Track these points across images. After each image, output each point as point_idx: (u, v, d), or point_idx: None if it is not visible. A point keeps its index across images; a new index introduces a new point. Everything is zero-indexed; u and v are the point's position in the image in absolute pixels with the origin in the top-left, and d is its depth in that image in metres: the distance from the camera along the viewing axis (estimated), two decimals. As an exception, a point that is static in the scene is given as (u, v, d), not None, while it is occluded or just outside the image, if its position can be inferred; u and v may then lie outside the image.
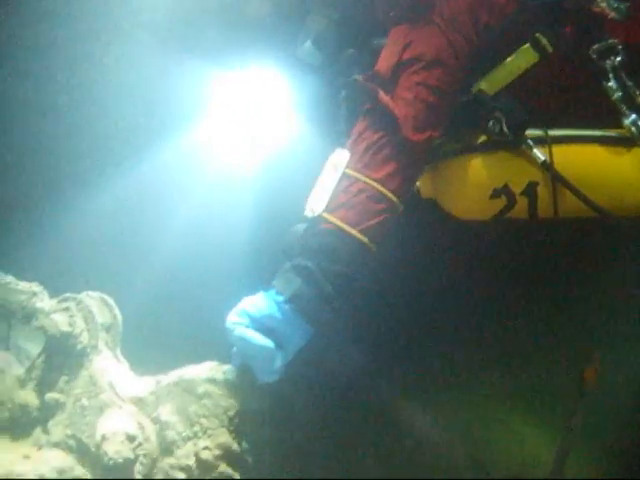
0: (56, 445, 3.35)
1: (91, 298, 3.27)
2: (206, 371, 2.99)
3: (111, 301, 3.35)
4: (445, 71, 3.16)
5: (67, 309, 3.25)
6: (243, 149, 4.51)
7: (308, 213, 2.97)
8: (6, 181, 4.18)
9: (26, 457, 3.36)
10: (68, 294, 3.28)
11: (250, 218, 4.49)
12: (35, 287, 3.49)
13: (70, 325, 3.24)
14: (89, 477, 3.29)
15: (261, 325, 2.89)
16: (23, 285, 3.52)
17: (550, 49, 2.99)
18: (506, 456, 4.35)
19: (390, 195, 2.97)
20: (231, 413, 3.00)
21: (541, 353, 4.27)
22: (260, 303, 2.93)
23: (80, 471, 3.33)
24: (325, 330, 3.10)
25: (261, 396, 3.12)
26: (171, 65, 4.12)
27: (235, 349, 3.07)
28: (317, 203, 2.94)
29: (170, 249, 4.40)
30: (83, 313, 3.26)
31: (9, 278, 3.62)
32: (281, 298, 2.91)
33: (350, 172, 2.75)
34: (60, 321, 3.23)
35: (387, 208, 2.99)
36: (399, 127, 3.01)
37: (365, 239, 2.90)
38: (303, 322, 2.93)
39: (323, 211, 2.74)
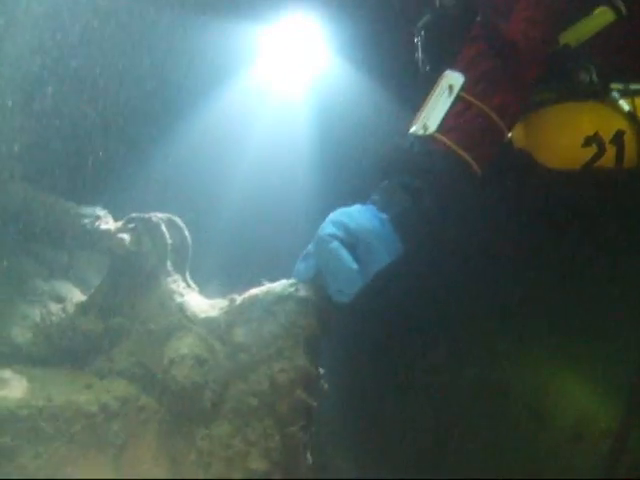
0: (120, 374, 3.14)
1: (159, 218, 3.03)
2: (283, 288, 2.74)
3: (180, 222, 3.13)
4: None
5: (134, 229, 3.03)
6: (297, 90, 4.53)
7: (418, 131, 2.83)
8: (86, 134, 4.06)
9: (88, 387, 3.15)
10: (134, 214, 3.07)
11: (312, 154, 4.48)
12: (99, 211, 3.30)
13: (137, 244, 3.04)
14: (154, 406, 3.05)
15: (354, 239, 2.72)
16: (86, 209, 3.33)
17: (624, 10, 3.23)
18: (562, 410, 4.34)
19: (502, 126, 2.90)
20: (309, 333, 2.73)
21: (611, 322, 4.18)
22: (359, 217, 2.76)
23: (145, 400, 3.10)
24: (418, 252, 2.93)
25: (339, 317, 2.87)
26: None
27: (311, 261, 2.87)
28: (429, 122, 2.82)
29: (240, 183, 4.42)
30: (151, 233, 3.05)
31: (70, 204, 3.44)
32: (384, 215, 2.77)
33: (466, 96, 2.69)
34: (127, 241, 3.02)
35: (498, 139, 2.95)
36: (516, 51, 2.97)
37: (475, 166, 2.81)
38: (398, 241, 2.79)
39: (435, 131, 2.67)
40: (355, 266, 2.70)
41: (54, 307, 3.37)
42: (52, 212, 3.43)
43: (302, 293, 2.77)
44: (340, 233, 2.72)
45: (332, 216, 2.79)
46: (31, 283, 3.48)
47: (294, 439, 2.85)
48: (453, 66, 2.92)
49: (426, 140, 2.66)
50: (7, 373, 3.32)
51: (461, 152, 2.62)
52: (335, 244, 2.70)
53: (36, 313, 3.37)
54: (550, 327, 4.27)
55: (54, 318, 3.30)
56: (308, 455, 2.90)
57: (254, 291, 2.81)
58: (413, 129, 2.73)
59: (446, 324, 4.46)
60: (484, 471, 4.02)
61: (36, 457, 3.11)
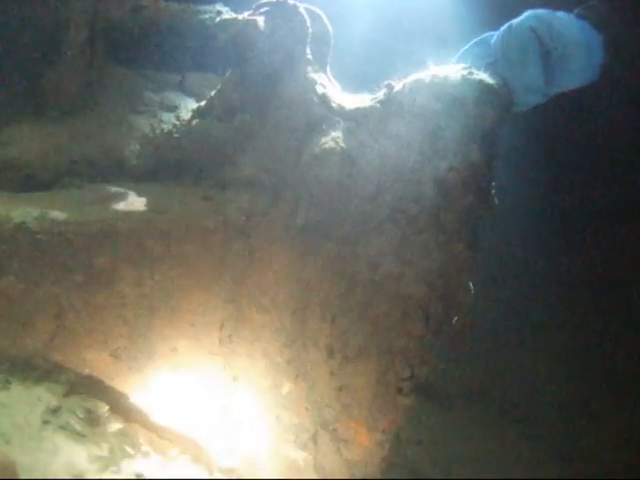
0: (245, 182, 2.60)
1: (295, 2, 2.46)
2: (455, 71, 2.15)
3: (320, 12, 2.56)
4: None
5: (268, 12, 2.46)
6: None
7: None
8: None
9: (206, 198, 2.63)
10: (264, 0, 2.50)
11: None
12: (219, 7, 2.76)
13: (272, 27, 2.46)
14: (287, 219, 2.51)
15: (554, 44, 2.43)
16: (204, 7, 2.80)
17: None
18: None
19: None
20: (487, 125, 2.15)
21: None
22: (568, 23, 2.49)
23: (275, 212, 2.64)
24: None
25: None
26: None
27: (489, 48, 2.51)
28: None
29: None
30: (287, 15, 2.49)
31: (183, 5, 2.91)
32: (597, 33, 2.49)
33: None
34: (257, 24, 2.45)
35: None
36: None
37: None
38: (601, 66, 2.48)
39: None
40: (542, 76, 2.42)
41: (166, 116, 2.86)
42: (163, 13, 2.89)
43: (480, 77, 2.15)
44: (542, 30, 2.39)
45: (537, 12, 2.45)
46: (139, 95, 2.95)
47: (459, 259, 2.26)
48: None
49: None
50: (110, 188, 2.83)
51: None
52: (533, 40, 2.40)
53: (145, 123, 2.86)
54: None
55: (166, 127, 2.77)
56: (471, 284, 2.29)
57: (418, 75, 2.21)
58: None
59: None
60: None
61: (138, 283, 2.61)
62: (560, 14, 2.40)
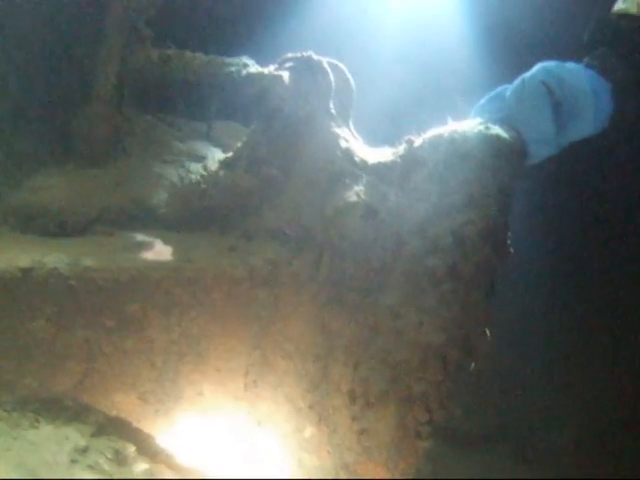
0: (271, 234, 2.70)
1: (319, 58, 2.58)
2: (472, 126, 2.25)
3: (341, 65, 2.67)
4: None
5: (292, 68, 2.58)
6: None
7: (630, 9, 2.61)
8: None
9: (233, 248, 2.74)
10: (290, 54, 2.64)
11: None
12: (246, 59, 2.87)
13: (296, 83, 2.58)
14: (310, 270, 2.60)
15: (564, 96, 2.48)
16: (230, 59, 2.93)
17: None
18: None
19: None
20: (502, 179, 2.24)
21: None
22: (577, 73, 2.52)
23: (299, 264, 2.69)
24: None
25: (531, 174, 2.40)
26: None
27: (503, 102, 2.54)
28: None
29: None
30: (312, 71, 2.62)
31: (211, 56, 3.04)
32: (604, 80, 2.54)
33: None
34: (282, 80, 2.57)
35: None
36: None
37: None
38: (611, 112, 2.52)
39: None
40: (554, 128, 2.45)
41: (193, 166, 2.97)
42: (190, 64, 3.00)
43: (496, 132, 2.25)
44: (554, 85, 2.43)
45: (546, 64, 2.49)
46: (167, 144, 3.07)
47: (477, 308, 2.35)
48: None
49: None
50: (139, 236, 2.93)
51: None
52: (545, 94, 2.43)
53: (172, 173, 2.97)
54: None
55: (193, 177, 2.88)
56: (488, 331, 2.37)
57: (437, 130, 2.31)
58: (621, 6, 2.58)
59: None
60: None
61: (167, 329, 2.70)
62: (569, 65, 2.47)
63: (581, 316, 4.82)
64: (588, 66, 2.55)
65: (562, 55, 2.67)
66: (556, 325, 4.81)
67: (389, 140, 2.58)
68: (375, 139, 2.73)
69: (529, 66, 2.59)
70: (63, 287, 2.48)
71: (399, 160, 2.44)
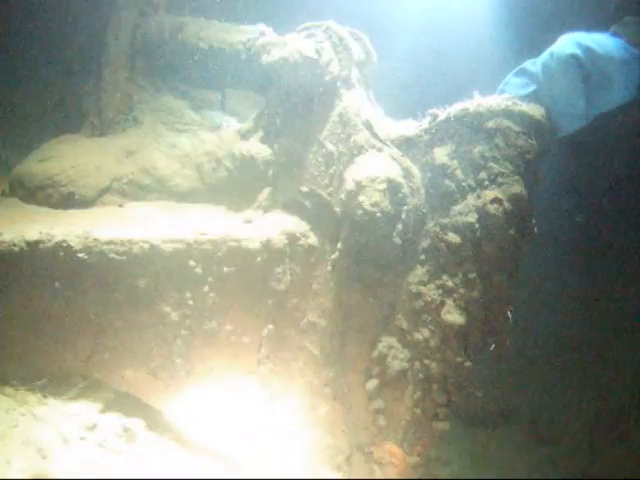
0: (287, 206, 2.60)
1: (340, 27, 2.47)
2: (499, 101, 2.15)
3: (364, 36, 2.57)
4: None
5: (312, 35, 2.47)
6: None
7: None
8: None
9: (248, 221, 2.64)
10: (309, 23, 2.53)
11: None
12: (263, 27, 2.77)
13: (317, 52, 2.47)
14: (327, 244, 2.52)
15: (594, 68, 2.41)
16: (245, 27, 2.81)
17: None
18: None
19: None
20: (529, 156, 2.15)
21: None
22: (607, 44, 2.45)
23: (316, 237, 2.57)
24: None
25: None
26: None
27: (530, 77, 2.48)
28: None
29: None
30: (332, 40, 2.49)
31: (227, 24, 2.93)
32: (635, 50, 2.46)
33: None
34: (303, 47, 2.47)
35: None
36: None
37: None
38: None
39: None
40: (584, 101, 2.40)
41: (207, 135, 2.86)
42: (205, 32, 2.90)
43: (523, 108, 2.16)
44: (583, 57, 2.37)
45: (575, 36, 2.42)
46: (180, 113, 2.97)
47: (500, 289, 2.27)
48: None
49: None
50: (148, 208, 2.85)
51: None
52: (575, 67, 2.37)
53: (185, 142, 2.87)
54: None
55: (207, 146, 2.78)
56: (510, 312, 2.30)
57: (463, 104, 2.22)
58: None
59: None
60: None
61: (180, 304, 2.62)
62: (596, 35, 2.40)
63: (600, 298, 4.75)
64: (615, 35, 2.48)
65: (587, 25, 2.57)
66: (574, 307, 4.74)
67: (412, 113, 2.47)
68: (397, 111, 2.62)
69: (553, 39, 2.49)
70: (72, 260, 2.39)
71: (423, 134, 2.34)
